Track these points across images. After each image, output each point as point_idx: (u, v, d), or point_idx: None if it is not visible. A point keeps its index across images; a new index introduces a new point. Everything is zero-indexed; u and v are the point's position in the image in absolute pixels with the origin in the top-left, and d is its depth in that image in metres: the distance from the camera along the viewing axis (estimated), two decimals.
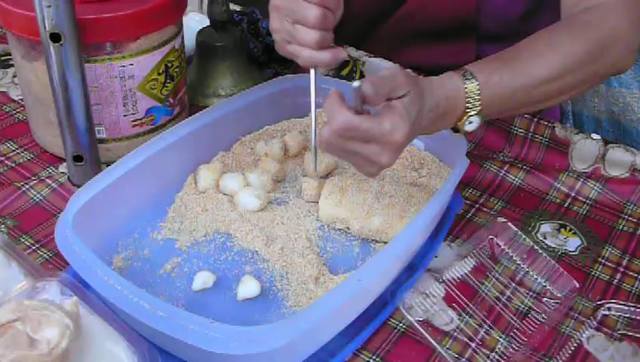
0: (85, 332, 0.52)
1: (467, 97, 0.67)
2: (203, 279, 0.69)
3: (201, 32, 0.97)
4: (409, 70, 0.98)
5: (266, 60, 1.03)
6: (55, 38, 0.70)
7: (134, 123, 0.84)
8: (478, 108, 0.68)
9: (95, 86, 0.79)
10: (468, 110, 0.68)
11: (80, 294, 0.55)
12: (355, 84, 0.58)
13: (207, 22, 1.00)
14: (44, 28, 0.70)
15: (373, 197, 0.75)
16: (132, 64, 0.79)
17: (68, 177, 0.83)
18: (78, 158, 0.79)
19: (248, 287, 0.68)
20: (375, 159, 0.61)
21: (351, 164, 0.65)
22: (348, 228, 0.76)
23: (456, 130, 0.70)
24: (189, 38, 0.98)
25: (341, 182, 0.77)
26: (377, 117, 0.60)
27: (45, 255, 0.74)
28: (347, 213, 0.75)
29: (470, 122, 0.68)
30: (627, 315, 0.70)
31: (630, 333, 0.68)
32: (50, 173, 0.84)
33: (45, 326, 0.49)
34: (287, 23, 0.66)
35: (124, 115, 0.83)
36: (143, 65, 0.81)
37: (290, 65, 1.04)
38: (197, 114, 0.80)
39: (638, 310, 0.70)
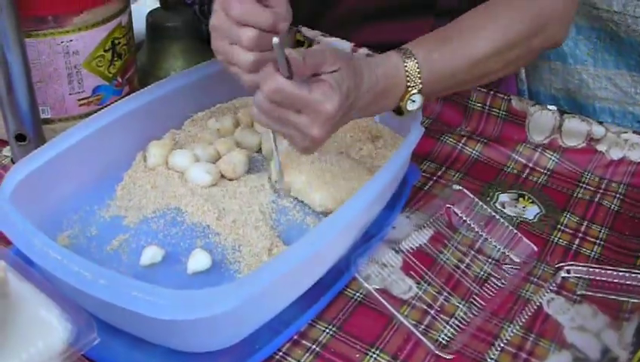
0: (15, 299, 0.49)
1: (407, 75, 0.66)
2: (151, 253, 0.66)
3: (151, 13, 0.95)
4: (365, 49, 0.97)
5: None
6: None
7: (81, 102, 0.81)
8: (419, 86, 0.66)
9: (37, 62, 0.76)
10: (409, 89, 0.66)
11: (14, 264, 0.52)
12: (275, 39, 0.55)
13: (157, 6, 0.98)
14: None
15: (328, 171, 0.73)
16: (76, 39, 0.77)
17: (11, 159, 0.79)
18: (20, 138, 0.76)
19: (199, 260, 0.66)
20: (306, 131, 0.60)
21: (285, 137, 0.64)
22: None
23: (399, 112, 0.69)
24: (140, 23, 0.95)
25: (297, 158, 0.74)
26: (307, 85, 0.59)
27: None
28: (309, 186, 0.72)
29: (413, 101, 0.67)
30: (586, 276, 0.69)
31: (590, 293, 0.67)
32: None
33: None
34: (227, 44, 0.64)
35: (70, 94, 0.80)
36: (88, 41, 0.78)
37: None
38: (145, 88, 0.78)
39: (596, 271, 0.69)
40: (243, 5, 0.61)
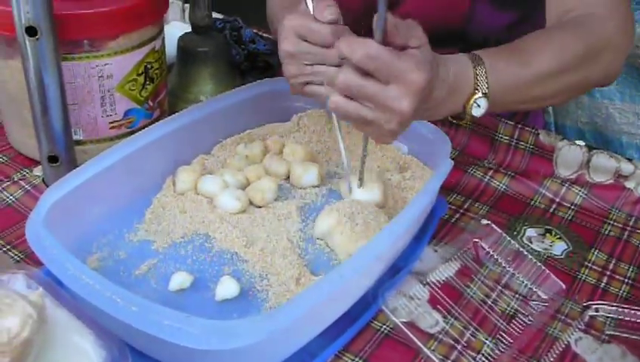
0: (52, 325, 0.49)
1: (476, 77, 0.67)
2: (180, 279, 0.67)
3: (183, 38, 0.96)
4: None
5: (248, 68, 1.02)
6: (31, 32, 0.69)
7: (112, 125, 0.82)
8: (486, 90, 0.67)
9: (72, 84, 0.77)
10: (476, 90, 0.67)
11: (47, 287, 0.53)
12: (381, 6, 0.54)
13: (189, 30, 0.99)
14: (20, 21, 0.68)
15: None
16: (110, 63, 0.78)
17: (42, 179, 0.80)
18: (53, 159, 0.77)
19: (227, 288, 0.66)
20: (395, 105, 0.58)
21: (364, 123, 0.61)
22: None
23: (460, 117, 0.69)
24: (171, 46, 0.97)
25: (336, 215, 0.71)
26: (397, 53, 0.57)
27: (17, 256, 0.71)
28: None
29: (478, 105, 0.68)
30: (615, 316, 0.68)
31: (618, 334, 0.67)
32: (24, 175, 0.82)
33: (6, 315, 0.46)
34: (307, 67, 0.68)
35: (102, 116, 0.81)
36: (122, 65, 0.79)
37: (272, 75, 1.03)
38: (176, 114, 0.79)
39: (625, 311, 0.68)
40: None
